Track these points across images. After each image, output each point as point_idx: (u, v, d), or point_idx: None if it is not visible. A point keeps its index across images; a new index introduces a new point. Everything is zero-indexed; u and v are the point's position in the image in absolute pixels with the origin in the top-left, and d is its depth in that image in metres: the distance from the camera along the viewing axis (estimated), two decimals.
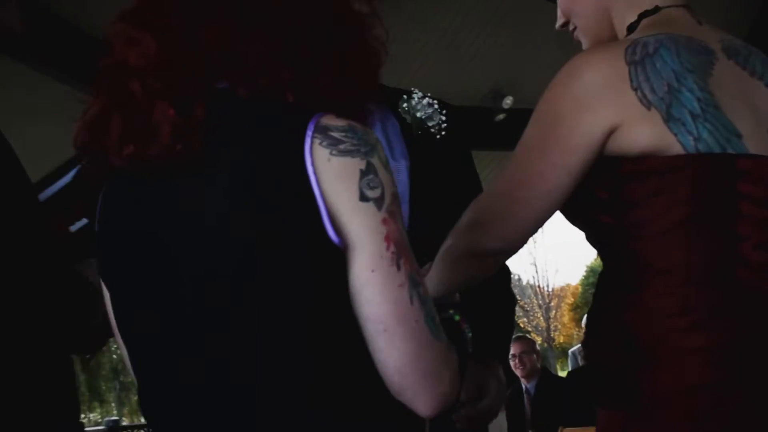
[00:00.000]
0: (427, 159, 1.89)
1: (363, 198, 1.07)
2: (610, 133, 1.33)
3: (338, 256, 1.06)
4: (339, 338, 1.06)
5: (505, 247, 1.45)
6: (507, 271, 2.10)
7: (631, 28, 1.47)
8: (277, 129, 1.07)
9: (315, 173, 1.05)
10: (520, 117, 6.93)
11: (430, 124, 1.93)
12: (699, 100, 1.32)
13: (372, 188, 1.07)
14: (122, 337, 1.18)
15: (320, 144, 1.07)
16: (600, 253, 1.45)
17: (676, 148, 1.31)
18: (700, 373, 1.31)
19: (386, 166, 1.10)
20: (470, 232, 1.44)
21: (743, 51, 1.44)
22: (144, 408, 1.15)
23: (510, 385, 5.93)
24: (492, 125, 6.81)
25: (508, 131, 6.59)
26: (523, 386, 5.88)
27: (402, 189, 1.83)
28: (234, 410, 1.04)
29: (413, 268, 1.09)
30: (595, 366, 1.42)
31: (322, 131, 1.08)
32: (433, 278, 1.50)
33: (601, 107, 1.33)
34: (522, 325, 29.25)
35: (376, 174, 1.08)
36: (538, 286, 30.63)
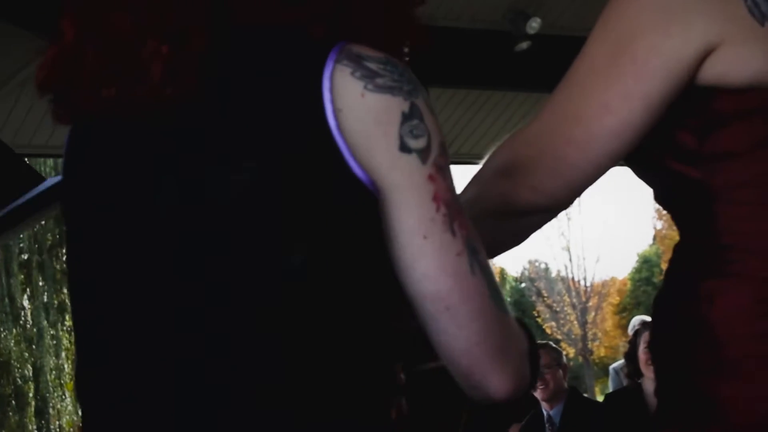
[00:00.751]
0: None
1: (404, 148, 1.13)
2: (707, 54, 1.32)
3: (369, 200, 1.13)
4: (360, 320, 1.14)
5: (549, 205, 1.45)
6: None
7: None
8: (290, 58, 1.15)
9: (335, 107, 1.12)
10: (551, 45, 6.93)
11: None
12: None
13: (416, 137, 1.14)
14: (77, 305, 1.25)
15: (352, 74, 1.13)
16: (676, 219, 1.46)
17: None
18: None
19: (432, 110, 1.16)
20: (503, 180, 1.45)
21: None
22: (84, 388, 1.21)
23: (527, 411, 5.97)
24: (512, 56, 6.83)
25: (534, 65, 6.61)
26: (545, 412, 5.81)
27: None
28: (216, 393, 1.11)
29: (470, 233, 1.18)
30: (663, 375, 1.44)
31: (354, 59, 1.15)
32: None
33: (697, 18, 1.32)
34: (549, 332, 29.38)
35: (421, 119, 1.14)
36: (573, 280, 30.82)
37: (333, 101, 1.11)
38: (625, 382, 6.25)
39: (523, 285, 35.14)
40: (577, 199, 1.44)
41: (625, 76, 1.34)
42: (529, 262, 33.98)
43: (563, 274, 31.02)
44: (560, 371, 5.86)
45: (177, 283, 1.13)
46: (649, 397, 5.17)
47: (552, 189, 1.42)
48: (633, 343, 5.42)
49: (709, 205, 1.37)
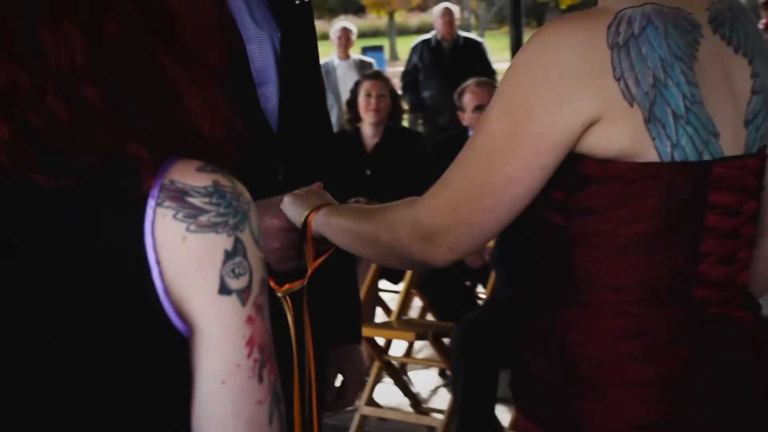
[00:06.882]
0: (290, 30, 2.08)
1: (223, 290, 1.09)
2: (588, 127, 1.51)
3: (181, 344, 1.09)
4: None
5: (459, 257, 1.63)
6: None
7: None
8: (105, 219, 1.07)
9: (159, 262, 1.07)
10: None
11: None
12: (684, 96, 1.52)
13: (237, 276, 1.09)
14: None
15: (174, 217, 1.07)
16: (540, 257, 1.67)
17: (650, 155, 1.51)
18: (650, 410, 1.55)
19: (257, 240, 1.12)
20: (421, 242, 1.60)
21: (729, 18, 1.62)
22: None
23: None
24: None
25: None
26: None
27: (266, 65, 2.04)
28: None
29: (277, 379, 1.14)
30: (531, 383, 1.65)
31: (176, 197, 1.08)
32: (338, 235, 1.73)
33: (581, 99, 1.50)
34: None
35: (244, 255, 1.10)
36: None
37: (156, 254, 1.07)
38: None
39: None
40: None
41: (525, 152, 1.51)
42: None
43: None
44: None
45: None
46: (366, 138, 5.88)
47: (465, 247, 1.59)
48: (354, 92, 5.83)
49: (569, 247, 1.58)
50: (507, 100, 1.55)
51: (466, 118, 5.69)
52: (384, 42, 24.99)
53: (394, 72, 10.62)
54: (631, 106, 1.51)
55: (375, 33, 30.17)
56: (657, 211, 1.53)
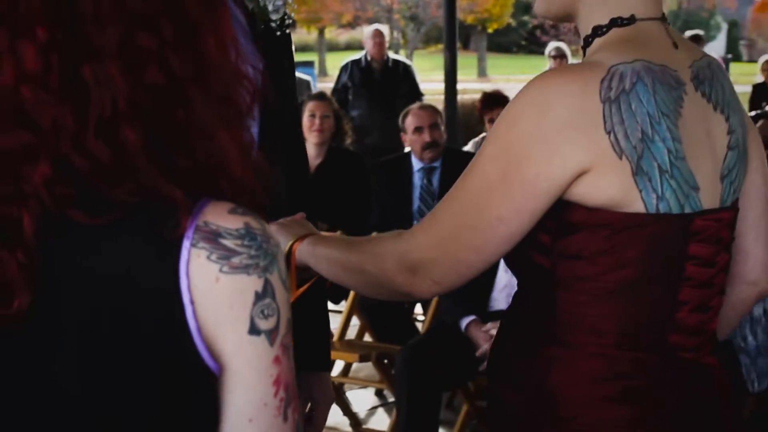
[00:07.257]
0: (271, 61, 2.05)
1: (253, 330, 1.11)
2: (578, 176, 1.56)
3: (211, 382, 1.11)
4: None
5: (443, 291, 1.68)
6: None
7: (597, 31, 1.67)
8: (133, 242, 1.08)
9: (193, 302, 1.08)
10: None
11: (274, 17, 2.10)
12: (669, 151, 1.58)
13: (266, 317, 1.11)
14: None
15: (208, 258, 1.09)
16: (525, 296, 1.70)
17: (637, 206, 1.57)
18: None
19: (285, 281, 1.14)
20: (408, 274, 1.64)
21: (708, 75, 1.69)
22: None
23: None
24: None
25: None
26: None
27: None
28: None
29: (300, 417, 1.17)
30: (509, 420, 1.69)
31: (210, 238, 1.10)
32: (322, 264, 1.76)
33: (573, 149, 1.55)
34: None
35: (273, 297, 1.12)
36: None
37: (191, 294, 1.09)
38: None
39: None
40: None
41: (516, 195, 1.56)
42: None
43: None
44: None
45: None
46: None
47: (450, 282, 1.63)
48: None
49: (554, 289, 1.63)
50: (501, 144, 1.59)
51: (407, 139, 5.87)
52: (313, 57, 25.08)
53: (324, 88, 10.65)
54: (620, 158, 1.56)
55: (304, 48, 30.29)
56: (640, 259, 1.59)
